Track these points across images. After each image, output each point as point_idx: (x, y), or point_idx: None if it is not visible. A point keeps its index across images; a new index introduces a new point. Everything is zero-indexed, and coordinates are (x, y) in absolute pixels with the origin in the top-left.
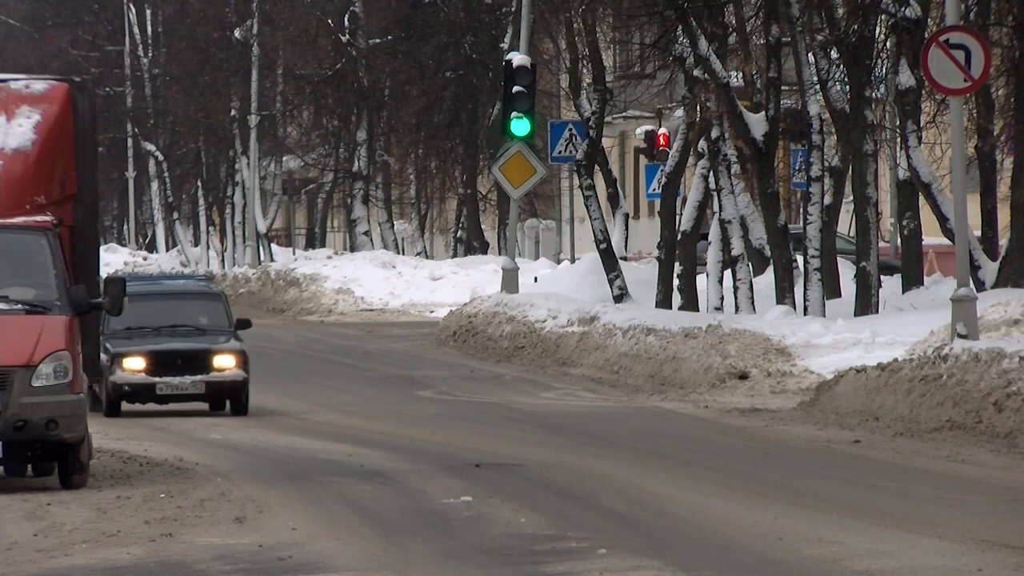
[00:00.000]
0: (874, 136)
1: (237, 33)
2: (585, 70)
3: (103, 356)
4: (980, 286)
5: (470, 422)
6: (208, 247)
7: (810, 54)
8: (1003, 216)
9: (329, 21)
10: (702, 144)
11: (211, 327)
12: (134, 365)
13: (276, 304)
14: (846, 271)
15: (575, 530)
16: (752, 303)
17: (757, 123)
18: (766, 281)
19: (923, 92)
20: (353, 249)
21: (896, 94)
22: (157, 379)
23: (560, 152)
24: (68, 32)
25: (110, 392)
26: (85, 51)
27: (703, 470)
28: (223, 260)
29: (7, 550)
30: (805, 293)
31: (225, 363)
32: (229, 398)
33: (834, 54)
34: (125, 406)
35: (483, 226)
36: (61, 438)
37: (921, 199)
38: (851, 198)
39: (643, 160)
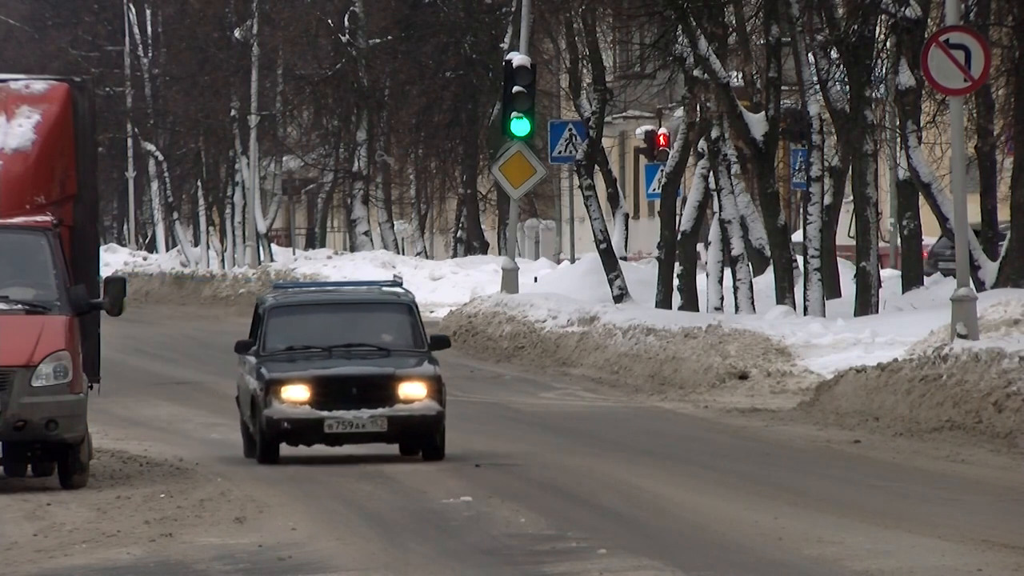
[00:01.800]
0: (874, 136)
1: (237, 33)
2: (585, 70)
3: (256, 383)
4: (980, 286)
5: (470, 422)
6: (208, 247)
7: (810, 54)
8: (1003, 216)
9: (329, 21)
10: (702, 144)
11: (397, 346)
12: (296, 395)
13: None
14: (846, 271)
15: (575, 530)
16: (752, 303)
17: (757, 123)
18: (766, 281)
19: (923, 92)
20: (353, 249)
21: (896, 94)
22: (325, 413)
23: (560, 152)
24: (68, 32)
25: (265, 431)
26: (85, 51)
27: (703, 470)
28: (223, 260)
29: (7, 550)
30: (805, 293)
31: (414, 392)
32: (418, 438)
33: (834, 54)
34: (285, 449)
35: (483, 226)
36: (61, 438)
37: (921, 199)
38: (851, 198)
39: (643, 160)
